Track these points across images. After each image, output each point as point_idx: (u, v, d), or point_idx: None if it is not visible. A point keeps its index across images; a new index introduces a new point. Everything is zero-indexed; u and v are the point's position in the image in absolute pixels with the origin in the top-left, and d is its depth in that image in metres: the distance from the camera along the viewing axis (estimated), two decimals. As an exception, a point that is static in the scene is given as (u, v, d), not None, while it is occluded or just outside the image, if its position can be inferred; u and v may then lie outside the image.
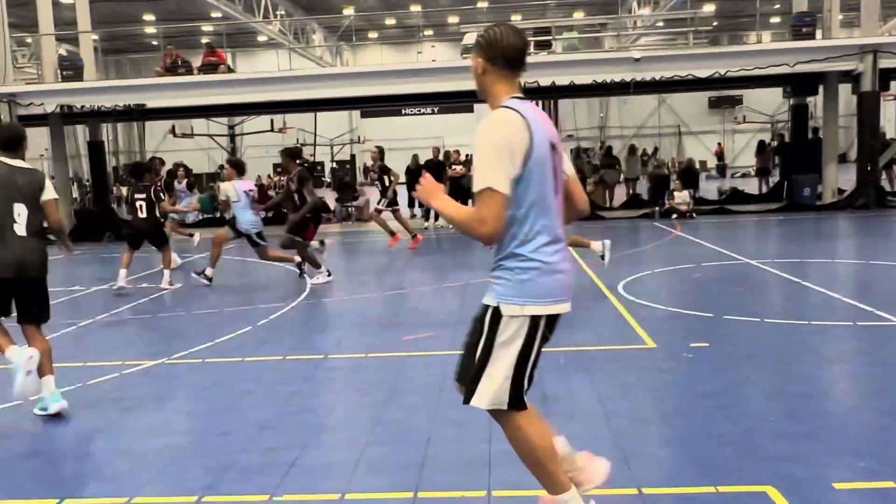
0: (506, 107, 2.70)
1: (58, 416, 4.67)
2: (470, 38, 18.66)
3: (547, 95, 17.87)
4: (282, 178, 38.73)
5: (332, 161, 43.47)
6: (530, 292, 2.73)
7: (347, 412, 4.67)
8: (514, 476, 3.56)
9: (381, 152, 14.10)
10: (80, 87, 17.26)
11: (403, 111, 48.94)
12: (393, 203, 13.96)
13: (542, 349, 2.84)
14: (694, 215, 16.47)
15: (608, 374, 5.22)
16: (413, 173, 19.63)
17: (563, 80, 16.56)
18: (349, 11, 38.78)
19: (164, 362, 6.00)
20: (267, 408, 4.75)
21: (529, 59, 13.32)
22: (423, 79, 17.40)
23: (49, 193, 4.86)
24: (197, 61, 17.96)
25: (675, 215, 16.45)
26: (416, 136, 48.74)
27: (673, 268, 9.86)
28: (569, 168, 2.95)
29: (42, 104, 17.09)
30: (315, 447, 4.06)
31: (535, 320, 2.75)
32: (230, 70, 17.44)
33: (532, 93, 16.85)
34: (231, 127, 27.67)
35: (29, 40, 23.30)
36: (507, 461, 3.72)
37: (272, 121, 28.99)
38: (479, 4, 35.95)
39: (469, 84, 12.73)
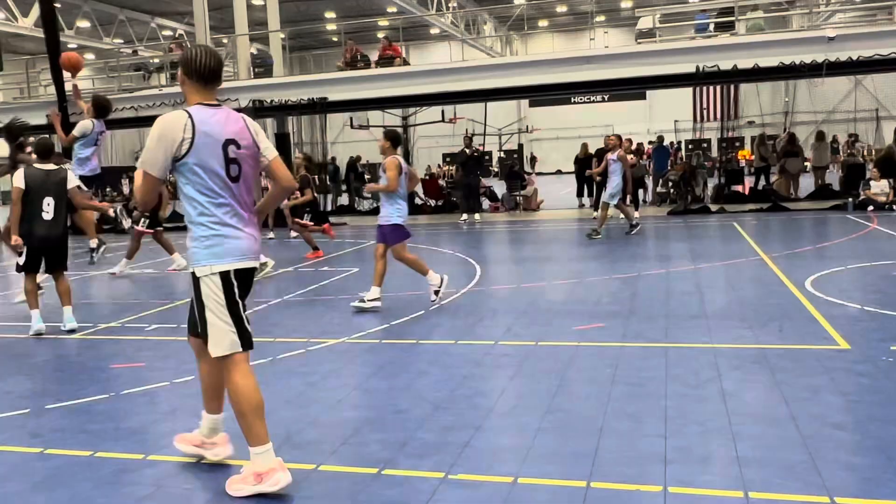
0: (183, 109, 3.45)
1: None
2: (646, 23, 18.08)
3: (729, 79, 16.97)
4: (450, 168, 39.58)
5: (500, 150, 43.71)
6: (217, 254, 3.49)
7: (518, 398, 4.72)
8: (691, 474, 3.46)
9: (306, 159, 12.93)
10: (270, 82, 18.55)
11: (573, 99, 48.45)
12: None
13: None
14: (895, 207, 15.04)
15: (795, 374, 4.90)
16: (581, 162, 19.41)
17: (746, 62, 15.65)
18: (520, 0, 38.79)
19: (344, 341, 6.34)
20: (440, 389, 4.89)
21: (711, 42, 12.69)
22: (595, 66, 17.08)
23: (72, 183, 7.26)
24: (375, 55, 18.70)
25: (871, 207, 15.11)
26: (584, 125, 48.05)
27: (869, 264, 9.08)
28: (269, 153, 3.68)
29: (237, 99, 18.51)
30: (487, 430, 4.14)
31: (224, 276, 3.49)
32: (405, 63, 18.00)
33: (712, 76, 16.08)
34: (404, 118, 28.54)
35: (225, 41, 25.30)
36: (683, 458, 3.62)
37: (443, 111, 29.63)
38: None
39: (643, 70, 12.40)
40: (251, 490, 3.44)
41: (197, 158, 3.39)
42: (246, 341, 3.59)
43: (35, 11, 28.45)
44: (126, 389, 5.26)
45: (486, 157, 42.65)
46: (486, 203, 20.22)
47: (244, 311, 3.59)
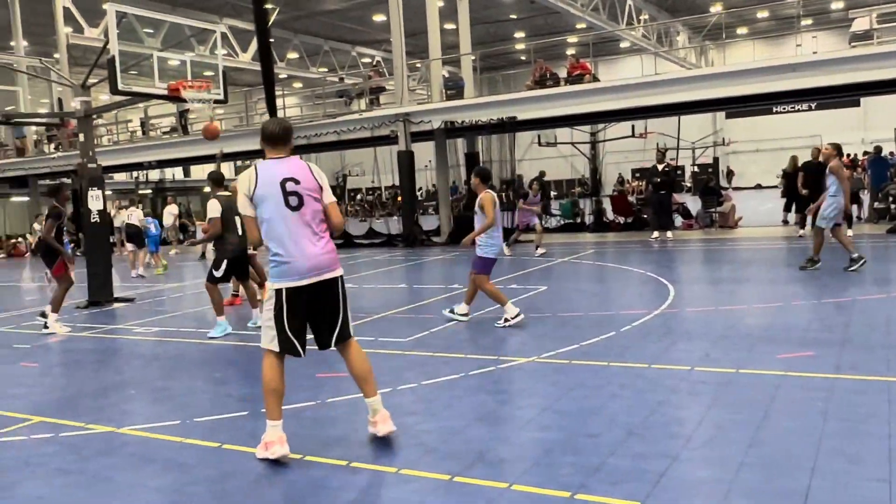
0: (253, 165, 4.53)
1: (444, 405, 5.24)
2: (861, 24, 16.64)
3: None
4: (639, 184, 38.49)
5: (694, 165, 41.96)
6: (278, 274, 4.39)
7: (717, 429, 4.49)
8: (922, 525, 3.11)
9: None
10: (461, 104, 19.11)
11: (775, 109, 45.41)
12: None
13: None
14: None
15: None
16: (790, 176, 18.09)
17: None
18: (717, 9, 37.15)
19: (534, 360, 6.37)
20: (634, 414, 4.77)
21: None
22: (801, 73, 15.96)
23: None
24: (563, 73, 18.70)
25: None
26: (787, 136, 44.90)
27: None
28: (327, 198, 4.50)
29: (430, 121, 19.27)
30: (685, 460, 3.98)
31: (277, 292, 4.41)
32: (595, 79, 17.83)
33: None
34: (593, 134, 28.26)
35: (419, 65, 26.43)
36: (913, 507, 3.27)
37: (633, 126, 28.98)
38: (870, -16, 31.77)
39: (858, 76, 11.35)
40: (262, 455, 4.36)
41: (259, 196, 4.31)
42: (283, 346, 4.47)
43: (253, 47, 31.40)
44: (330, 398, 5.61)
45: (679, 172, 41.14)
46: (678, 220, 19.48)
47: (292, 324, 4.44)
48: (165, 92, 10.53)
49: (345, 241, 21.46)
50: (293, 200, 4.32)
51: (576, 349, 6.67)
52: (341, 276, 4.61)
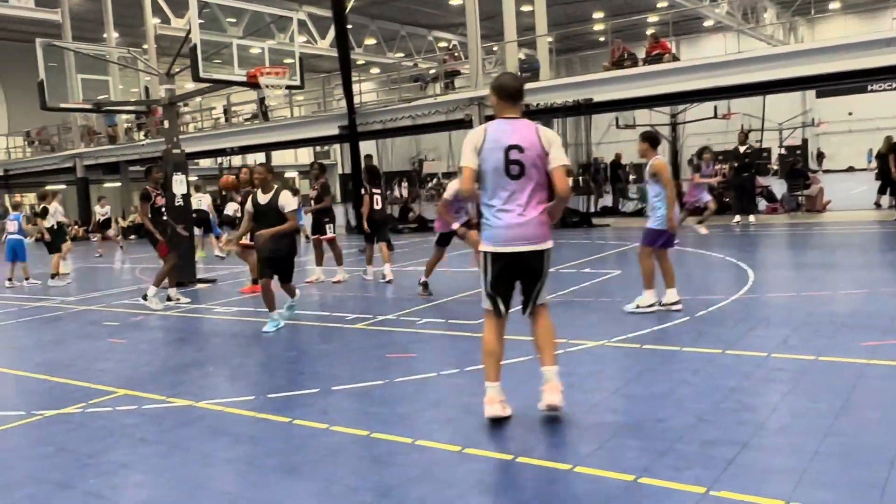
0: (483, 125, 4.53)
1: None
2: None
3: None
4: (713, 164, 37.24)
5: (781, 147, 40.33)
6: (486, 237, 4.52)
7: (793, 416, 4.33)
8: None
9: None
10: (536, 86, 18.89)
11: (869, 87, 43.14)
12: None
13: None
14: None
15: None
16: (884, 158, 17.25)
17: None
18: (806, -18, 35.53)
19: (604, 344, 6.28)
20: (704, 400, 4.66)
21: None
22: (890, 49, 15.10)
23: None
24: (642, 53, 18.26)
25: None
26: (883, 116, 42.66)
27: None
28: (555, 161, 4.38)
29: (505, 104, 19.12)
30: (755, 448, 3.86)
31: (485, 255, 4.53)
32: (675, 59, 17.33)
33: None
34: (673, 115, 27.49)
35: (496, 48, 26.25)
36: None
37: (715, 107, 28.07)
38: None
39: None
40: (485, 411, 4.47)
41: (483, 156, 4.33)
42: (496, 309, 4.59)
43: (331, 34, 31.85)
44: (399, 377, 5.69)
45: (765, 154, 39.59)
46: (762, 204, 18.80)
47: (495, 285, 4.55)
48: (244, 79, 10.81)
49: (419, 226, 21.63)
50: (514, 169, 4.31)
51: (647, 334, 6.55)
52: (547, 250, 4.60)
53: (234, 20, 13.43)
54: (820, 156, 47.19)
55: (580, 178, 26.53)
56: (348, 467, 4.00)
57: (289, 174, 49.31)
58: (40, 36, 13.16)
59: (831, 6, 43.88)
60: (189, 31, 10.32)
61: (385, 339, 7.24)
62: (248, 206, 8.07)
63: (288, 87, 11.33)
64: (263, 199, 7.83)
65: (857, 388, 4.71)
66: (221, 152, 27.37)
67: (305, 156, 53.38)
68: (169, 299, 10.27)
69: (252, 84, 11.03)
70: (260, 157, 42.83)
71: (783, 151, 40.75)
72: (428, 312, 8.34)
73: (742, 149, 16.12)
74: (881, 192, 17.71)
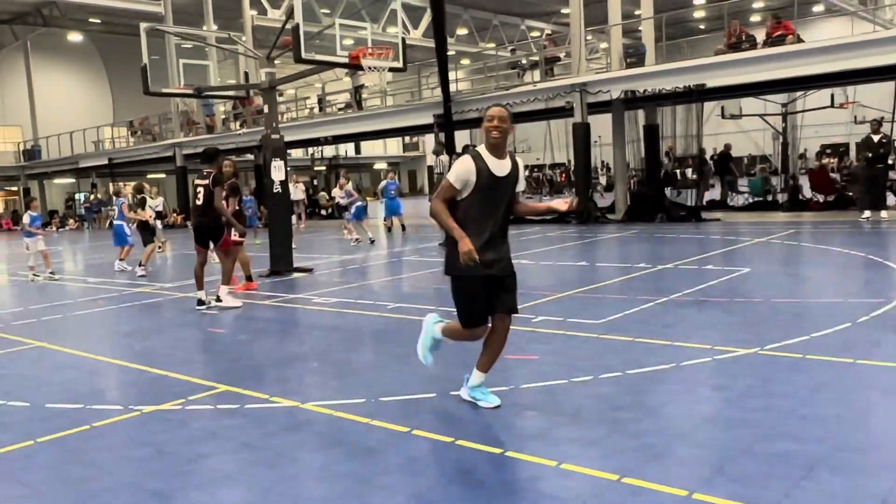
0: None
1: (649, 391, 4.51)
2: None
3: None
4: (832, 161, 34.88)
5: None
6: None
7: None
8: None
9: (233, 166, 10.04)
10: (643, 72, 17.90)
11: None
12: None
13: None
14: None
15: None
16: None
17: None
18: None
19: (757, 352, 5.45)
20: (911, 428, 3.82)
21: None
22: None
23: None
24: (761, 35, 16.98)
25: None
26: None
27: None
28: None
29: (608, 91, 18.20)
30: None
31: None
32: (800, 40, 15.99)
33: None
34: (784, 105, 25.80)
35: (594, 36, 25.24)
36: None
37: (832, 95, 26.23)
38: None
39: None
40: None
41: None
42: None
43: (423, 24, 31.47)
44: (525, 383, 5.04)
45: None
46: (890, 199, 17.22)
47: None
48: (346, 60, 10.37)
49: (515, 218, 20.88)
50: None
51: (806, 341, 5.67)
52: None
53: (328, 11, 13.05)
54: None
55: (688, 171, 25.29)
56: (483, 496, 3.38)
57: (378, 166, 49.33)
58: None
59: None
60: (292, 12, 9.95)
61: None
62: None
63: (390, 70, 10.82)
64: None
65: None
66: (315, 142, 27.40)
67: (394, 147, 53.43)
68: (218, 299, 9.06)
69: (354, 66, 10.60)
70: (350, 147, 43.12)
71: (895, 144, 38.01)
72: (543, 309, 7.65)
73: (876, 138, 14.67)
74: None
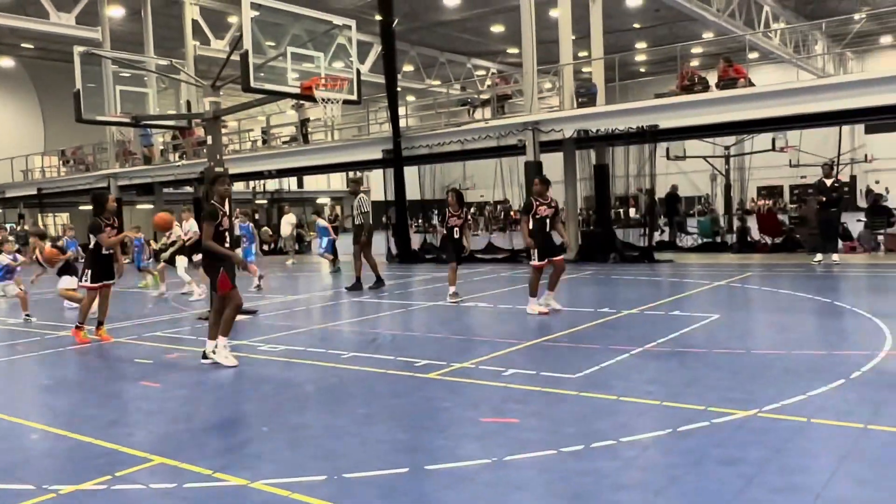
0: None
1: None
2: None
3: None
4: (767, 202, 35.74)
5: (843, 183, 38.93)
6: None
7: None
8: None
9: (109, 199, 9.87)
10: (595, 111, 17.77)
11: (924, 125, 41.68)
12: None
13: None
14: None
15: None
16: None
17: None
18: (861, 15, 34.31)
19: (757, 414, 4.98)
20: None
21: None
22: None
23: None
24: (713, 78, 17.07)
25: None
26: (934, 155, 41.16)
27: None
28: None
29: (561, 130, 18.00)
30: None
31: None
32: (750, 84, 16.08)
33: None
34: (728, 148, 26.22)
35: (544, 76, 25.21)
36: None
37: (773, 139, 26.74)
38: None
39: None
40: None
41: None
42: None
43: (370, 59, 31.16)
44: (509, 455, 4.44)
45: (846, 189, 38.24)
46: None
47: None
48: (298, 90, 9.76)
49: (466, 256, 20.42)
50: None
51: (805, 401, 5.24)
52: None
53: (273, 44, 12.48)
54: (869, 193, 45.54)
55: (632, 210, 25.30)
56: None
57: (321, 200, 48.46)
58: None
59: (883, 40, 42.61)
60: (240, 37, 9.30)
61: (470, 394, 6.00)
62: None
63: (345, 102, 10.24)
64: None
65: None
66: (258, 175, 26.55)
67: (338, 182, 52.72)
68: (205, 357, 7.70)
69: (307, 97, 9.97)
70: (293, 181, 42.24)
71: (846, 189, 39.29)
72: (511, 360, 7.08)
73: (829, 182, 14.72)
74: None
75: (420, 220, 38.19)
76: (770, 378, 6.01)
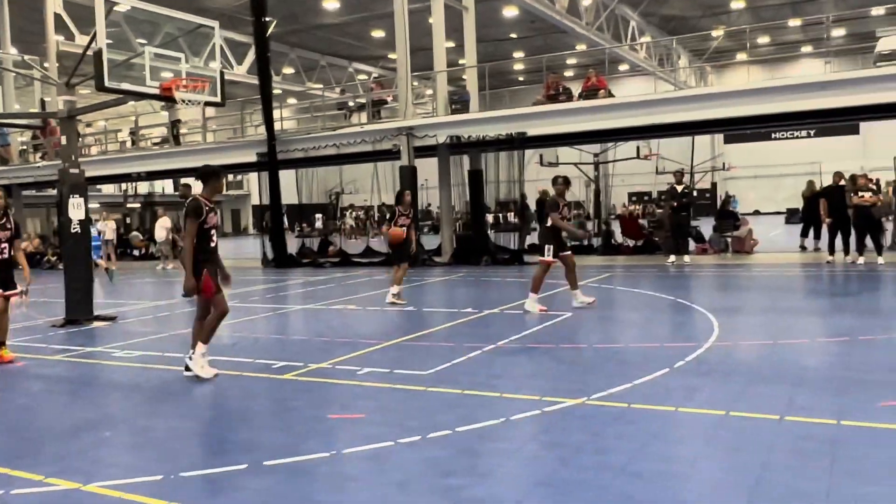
0: None
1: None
2: (888, 43, 15.92)
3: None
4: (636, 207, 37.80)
5: (694, 189, 41.56)
6: None
7: (854, 501, 3.52)
8: None
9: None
10: (468, 118, 18.26)
11: (773, 135, 45.11)
12: None
13: None
14: None
15: None
16: (809, 201, 17.38)
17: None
18: (718, 33, 36.80)
19: (585, 402, 5.38)
20: (740, 481, 3.81)
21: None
22: (802, 95, 15.26)
23: None
24: (577, 88, 17.90)
25: None
26: (786, 163, 44.56)
27: None
28: None
29: (434, 136, 18.37)
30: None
31: None
32: (610, 95, 17.00)
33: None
34: (596, 155, 27.49)
35: (418, 83, 25.60)
36: None
37: (638, 147, 28.25)
38: (874, 12, 31.29)
39: (865, 98, 10.50)
40: None
41: None
42: None
43: (247, 61, 30.57)
44: (349, 447, 4.61)
45: (701, 194, 40.64)
46: (691, 244, 18.58)
47: None
48: (157, 91, 9.57)
49: (342, 260, 20.47)
50: None
51: (630, 389, 5.69)
52: None
53: (144, 41, 12.15)
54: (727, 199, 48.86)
55: (506, 215, 26.05)
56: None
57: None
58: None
59: (740, 56, 45.80)
60: (93, 36, 9.04)
61: (322, 393, 6.13)
62: None
63: (207, 104, 10.14)
64: None
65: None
66: (127, 177, 25.54)
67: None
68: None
69: (166, 98, 9.80)
70: (168, 184, 40.79)
71: (695, 193, 41.90)
72: (369, 360, 7.26)
73: (679, 188, 15.80)
74: (804, 234, 17.81)
75: (303, 225, 37.77)
76: (605, 370, 6.47)
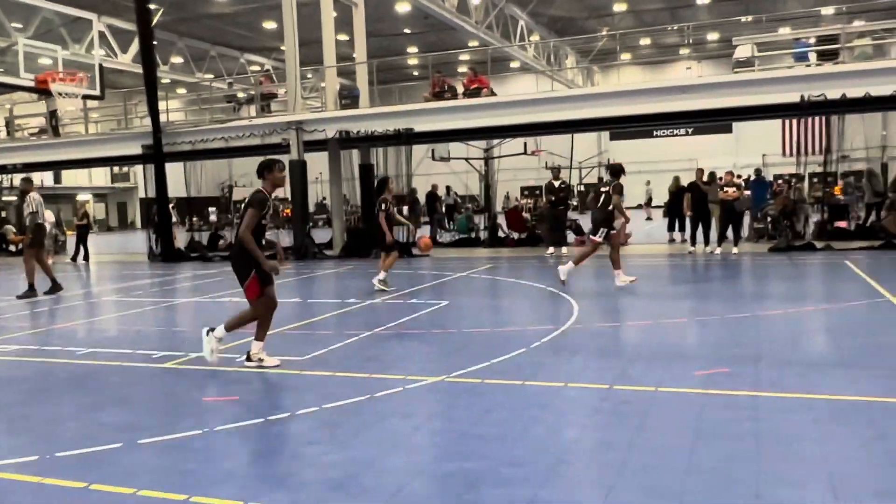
0: None
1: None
2: (743, 51, 17.35)
3: (836, 110, 16.07)
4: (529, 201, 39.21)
5: (580, 184, 43.33)
6: None
7: (651, 453, 4.18)
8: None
9: None
10: (356, 113, 18.60)
11: (655, 133, 47.55)
12: None
13: None
14: None
15: (974, 437, 4.22)
16: (674, 195, 18.71)
17: (856, 91, 14.77)
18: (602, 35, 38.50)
19: (444, 379, 5.93)
20: (560, 438, 4.43)
21: (813, 71, 12.01)
22: (678, 96, 16.49)
23: None
24: (461, 87, 18.55)
25: None
26: (666, 159, 47.04)
27: None
28: None
29: (324, 130, 18.63)
30: (622, 490, 3.64)
31: None
32: (492, 94, 17.75)
33: (818, 107, 15.30)
34: (486, 150, 28.34)
35: (311, 75, 25.68)
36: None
37: (525, 144, 29.28)
38: (745, 19, 33.57)
39: (739, 100, 11.81)
40: None
41: None
42: None
43: (133, 48, 29.67)
44: (220, 425, 4.97)
45: (579, 189, 42.28)
46: (570, 236, 19.63)
47: None
48: (32, 84, 9.47)
49: (228, 256, 20.37)
50: None
51: (487, 367, 6.29)
52: None
53: (20, 26, 11.89)
54: (612, 194, 51.06)
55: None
56: (164, 543, 3.29)
57: (82, 196, 45.12)
58: None
59: (624, 56, 47.92)
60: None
61: (200, 380, 6.43)
62: None
63: (85, 97, 10.09)
64: None
65: (703, 419, 4.69)
66: (2, 169, 24.43)
67: (101, 177, 49.40)
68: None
69: (42, 90, 9.71)
70: (48, 176, 39.01)
71: (582, 188, 43.69)
72: (248, 347, 7.56)
73: (557, 184, 16.74)
74: (671, 228, 19.17)
75: (193, 218, 36.94)
76: (468, 352, 7.05)
